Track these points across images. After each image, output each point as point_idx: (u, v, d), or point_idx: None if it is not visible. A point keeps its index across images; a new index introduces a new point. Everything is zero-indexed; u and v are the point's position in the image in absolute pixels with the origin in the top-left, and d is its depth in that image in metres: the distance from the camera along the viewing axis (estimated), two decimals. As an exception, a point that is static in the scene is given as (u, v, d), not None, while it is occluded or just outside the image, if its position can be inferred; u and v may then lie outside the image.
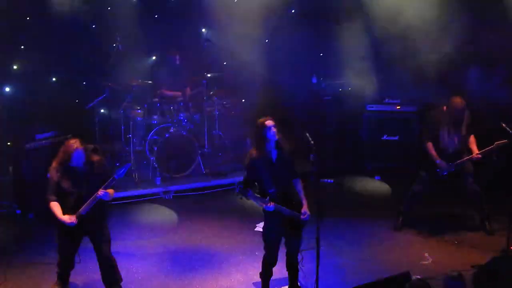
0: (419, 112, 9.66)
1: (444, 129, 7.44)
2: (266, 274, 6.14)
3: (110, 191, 5.96)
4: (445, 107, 7.45)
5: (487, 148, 7.25)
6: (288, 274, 6.23)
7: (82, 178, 5.92)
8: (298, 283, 6.26)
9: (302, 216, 5.95)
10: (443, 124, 7.44)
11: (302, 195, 6.07)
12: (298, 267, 6.17)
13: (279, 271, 6.28)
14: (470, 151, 7.41)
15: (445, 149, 7.46)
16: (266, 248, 6.04)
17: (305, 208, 5.98)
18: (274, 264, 6.07)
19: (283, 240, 6.07)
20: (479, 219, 7.70)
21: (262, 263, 6.13)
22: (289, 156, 6.02)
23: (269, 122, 5.87)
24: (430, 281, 5.17)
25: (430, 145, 7.49)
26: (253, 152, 5.94)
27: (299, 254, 6.11)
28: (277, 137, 5.88)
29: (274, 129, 5.86)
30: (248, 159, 5.98)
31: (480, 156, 7.30)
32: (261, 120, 5.93)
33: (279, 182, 5.89)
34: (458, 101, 7.31)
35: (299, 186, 6.10)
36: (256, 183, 5.98)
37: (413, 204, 7.80)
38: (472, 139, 7.47)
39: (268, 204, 5.79)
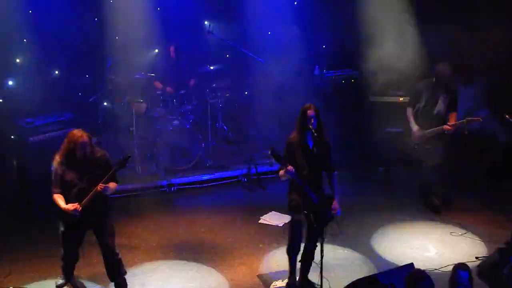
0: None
1: (430, 95, 7.60)
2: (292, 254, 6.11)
3: (112, 184, 5.90)
4: (434, 79, 7.63)
5: (457, 121, 7.47)
6: (301, 265, 6.20)
7: (85, 171, 5.87)
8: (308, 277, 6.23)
9: (332, 211, 5.93)
10: (430, 90, 7.60)
11: (335, 189, 6.03)
12: (311, 261, 6.15)
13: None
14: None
15: (429, 116, 7.63)
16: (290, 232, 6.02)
17: (335, 204, 5.95)
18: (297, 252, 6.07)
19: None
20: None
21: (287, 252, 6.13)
22: (327, 148, 5.98)
23: (310, 110, 5.89)
24: (434, 273, 5.17)
25: (409, 110, 7.82)
26: (293, 135, 6.02)
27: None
28: (315, 125, 5.87)
29: (313, 118, 5.86)
30: (287, 141, 6.04)
31: (451, 128, 7.48)
32: (304, 106, 5.95)
33: (312, 168, 5.89)
34: (445, 67, 7.50)
35: (334, 180, 6.05)
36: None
37: (427, 191, 8.00)
38: (453, 114, 7.61)
39: (288, 168, 5.72)
